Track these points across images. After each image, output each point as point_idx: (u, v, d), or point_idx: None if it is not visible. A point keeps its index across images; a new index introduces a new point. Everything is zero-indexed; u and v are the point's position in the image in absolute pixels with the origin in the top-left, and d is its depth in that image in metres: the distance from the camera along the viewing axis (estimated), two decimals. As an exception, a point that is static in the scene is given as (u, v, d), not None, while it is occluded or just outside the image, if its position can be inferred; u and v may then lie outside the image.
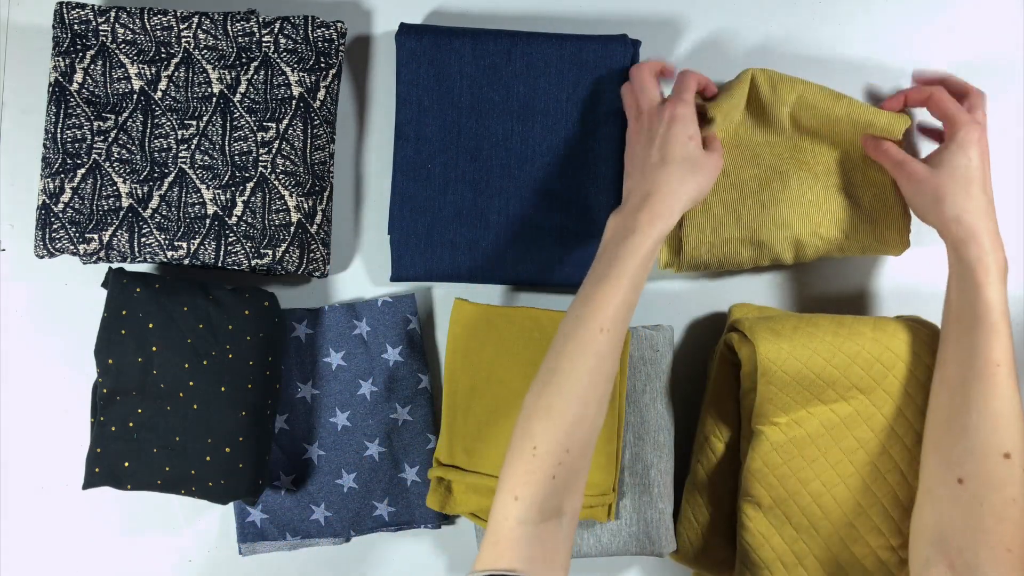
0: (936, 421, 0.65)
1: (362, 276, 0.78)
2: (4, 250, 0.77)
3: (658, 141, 0.68)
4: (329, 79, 0.73)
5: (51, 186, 0.70)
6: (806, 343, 0.68)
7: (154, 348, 0.69)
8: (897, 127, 0.71)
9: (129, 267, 0.75)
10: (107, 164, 0.71)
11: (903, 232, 0.74)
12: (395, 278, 0.75)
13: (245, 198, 0.71)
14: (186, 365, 0.69)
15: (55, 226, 0.70)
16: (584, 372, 0.61)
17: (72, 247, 0.70)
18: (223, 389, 0.69)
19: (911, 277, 0.79)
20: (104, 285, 0.71)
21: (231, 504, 0.75)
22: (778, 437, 0.69)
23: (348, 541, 0.77)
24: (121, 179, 0.71)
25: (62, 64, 0.71)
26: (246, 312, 0.70)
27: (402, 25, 0.75)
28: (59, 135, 0.70)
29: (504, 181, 0.75)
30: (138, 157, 0.71)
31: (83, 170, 0.71)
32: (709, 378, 0.75)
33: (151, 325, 0.69)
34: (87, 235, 0.70)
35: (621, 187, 0.75)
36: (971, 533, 0.60)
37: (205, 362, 0.69)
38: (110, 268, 0.71)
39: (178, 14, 0.72)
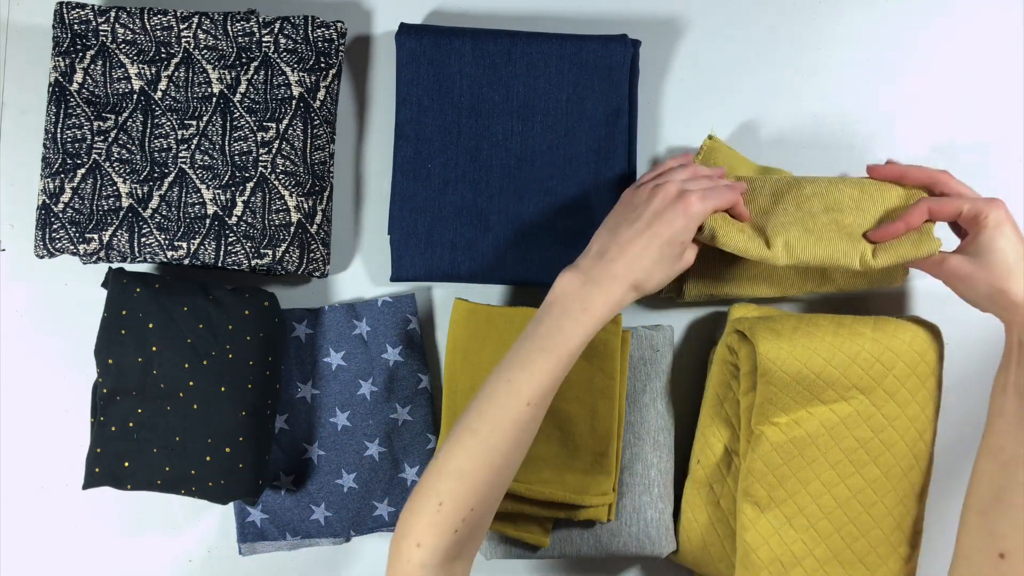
0: (983, 489, 0.64)
1: (362, 276, 0.78)
2: (4, 250, 0.77)
3: (651, 210, 0.63)
4: (329, 79, 0.73)
5: (51, 186, 0.70)
6: (806, 343, 0.68)
7: (154, 348, 0.69)
8: (913, 199, 0.69)
9: (129, 267, 0.75)
10: (107, 164, 0.71)
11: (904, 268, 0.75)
12: (395, 278, 0.75)
13: (245, 198, 0.71)
14: (186, 365, 0.69)
15: (55, 226, 0.70)
16: (502, 441, 0.59)
17: (72, 247, 0.70)
18: (223, 389, 0.69)
19: (911, 277, 0.79)
20: (104, 285, 0.71)
21: (231, 504, 0.75)
22: (778, 437, 0.69)
23: (348, 541, 0.77)
24: (121, 179, 0.71)
25: (62, 64, 0.71)
26: (246, 312, 0.70)
27: (402, 25, 0.75)
28: (59, 135, 0.70)
29: (504, 181, 0.75)
30: (138, 157, 0.71)
31: (83, 170, 0.71)
32: (709, 378, 0.75)
33: (151, 325, 0.69)
34: (87, 235, 0.70)
35: (621, 187, 0.75)
36: None
37: (205, 362, 0.69)
38: (110, 268, 0.71)
39: (178, 14, 0.72)
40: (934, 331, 0.70)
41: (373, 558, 0.78)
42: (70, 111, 0.71)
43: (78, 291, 0.76)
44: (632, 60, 0.75)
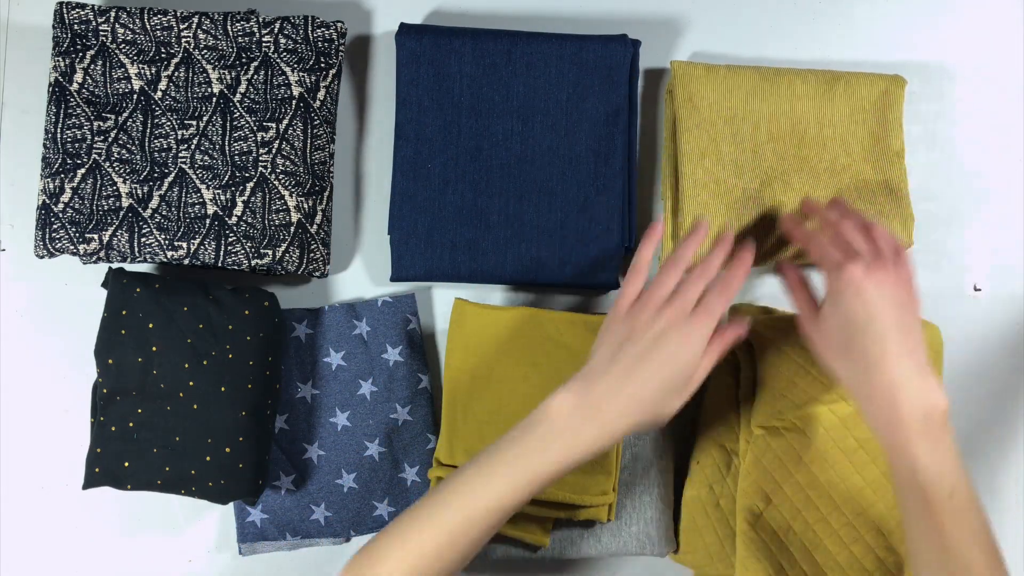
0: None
1: (362, 276, 0.78)
2: (4, 250, 0.77)
3: (653, 335, 0.59)
4: (329, 79, 0.73)
5: (51, 186, 0.70)
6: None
7: (154, 348, 0.69)
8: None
9: (129, 267, 0.75)
10: (107, 164, 0.71)
11: (906, 230, 0.74)
12: (395, 278, 0.75)
13: (245, 198, 0.71)
14: (186, 365, 0.69)
15: (55, 226, 0.70)
16: (432, 548, 0.57)
17: (72, 247, 0.70)
18: (223, 389, 0.69)
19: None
20: (104, 285, 0.71)
21: (231, 504, 0.75)
22: (777, 438, 0.69)
23: (348, 541, 0.77)
24: (121, 179, 0.71)
25: (62, 64, 0.71)
26: (246, 312, 0.70)
27: (402, 25, 0.75)
28: (59, 135, 0.70)
29: (504, 181, 0.75)
30: (138, 157, 0.71)
31: (83, 170, 0.71)
32: (708, 379, 0.75)
33: (151, 325, 0.69)
34: (87, 235, 0.70)
35: (621, 187, 0.75)
36: None
37: (205, 362, 0.69)
38: (110, 268, 0.71)
39: (178, 14, 0.72)
40: (933, 331, 0.70)
41: (373, 558, 0.78)
42: (70, 111, 0.71)
43: (78, 291, 0.76)
44: (632, 60, 0.75)
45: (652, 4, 0.79)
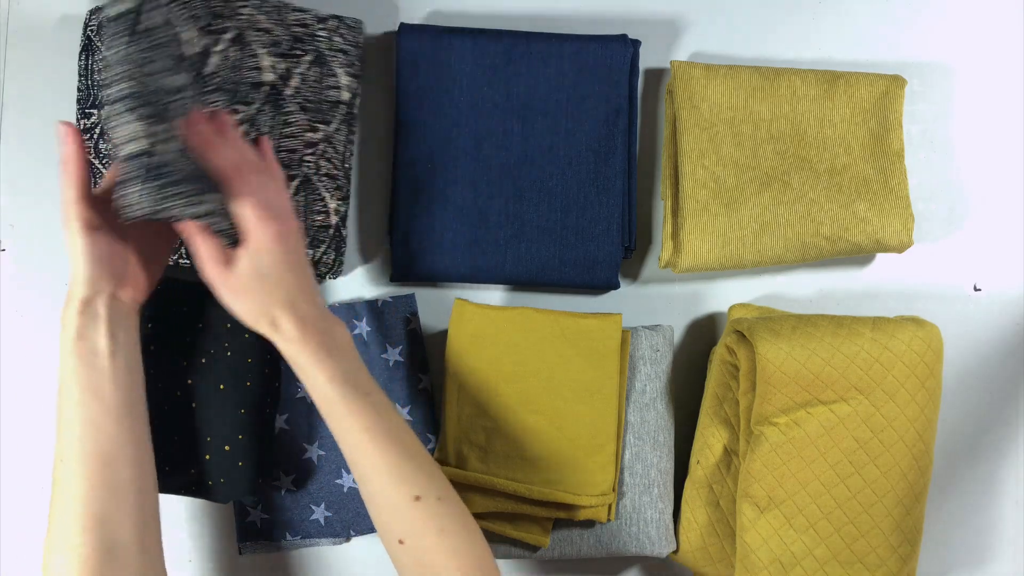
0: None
1: (362, 276, 0.78)
2: (4, 250, 0.77)
3: None
4: (360, 86, 0.73)
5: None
6: (804, 343, 0.68)
7: (152, 347, 0.68)
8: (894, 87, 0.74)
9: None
10: None
11: (906, 230, 0.74)
12: (395, 278, 0.75)
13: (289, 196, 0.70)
14: (184, 363, 0.69)
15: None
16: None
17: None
18: (222, 387, 0.69)
19: (911, 277, 0.79)
20: None
21: (231, 504, 0.75)
22: (777, 438, 0.69)
23: (348, 541, 0.77)
24: None
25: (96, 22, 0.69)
26: (246, 312, 0.70)
27: (402, 25, 0.75)
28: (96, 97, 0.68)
29: (504, 181, 0.75)
30: None
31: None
32: (708, 378, 0.75)
33: (149, 325, 0.69)
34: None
35: (621, 187, 0.75)
36: None
37: (203, 360, 0.69)
38: None
39: None
40: (933, 331, 0.70)
41: (373, 558, 0.78)
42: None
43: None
44: (632, 60, 0.75)
45: (652, 4, 0.79)
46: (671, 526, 0.74)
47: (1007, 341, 0.80)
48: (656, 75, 0.80)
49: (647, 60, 0.79)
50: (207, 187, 0.57)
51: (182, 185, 0.55)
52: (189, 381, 0.69)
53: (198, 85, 0.66)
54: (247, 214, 0.58)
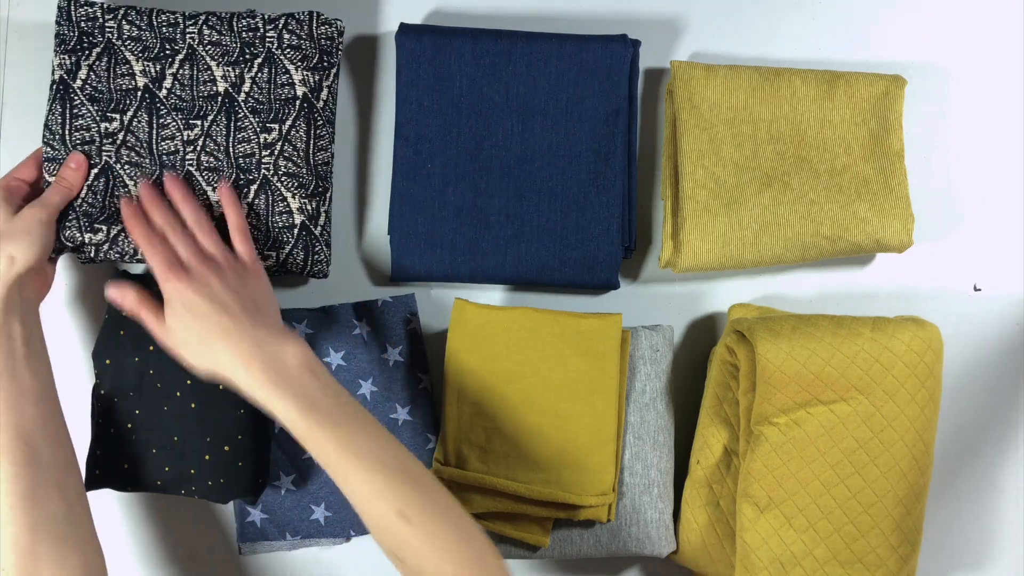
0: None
1: (362, 276, 0.78)
2: (4, 250, 0.77)
3: None
4: (331, 78, 0.73)
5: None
6: (805, 343, 0.68)
7: (151, 347, 0.68)
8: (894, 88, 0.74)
9: (132, 270, 0.75)
10: (119, 167, 0.70)
11: (906, 230, 0.74)
12: (395, 278, 0.75)
13: (249, 200, 0.71)
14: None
15: (70, 217, 0.69)
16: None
17: (80, 235, 0.69)
18: (220, 387, 0.69)
19: (911, 277, 0.79)
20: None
21: (231, 504, 0.75)
22: (777, 437, 0.69)
23: (348, 541, 0.77)
24: (132, 182, 0.71)
25: (67, 62, 0.70)
26: (246, 312, 0.70)
27: (402, 25, 0.75)
28: (68, 137, 0.70)
29: (504, 181, 0.75)
30: (147, 160, 0.71)
31: (96, 170, 0.70)
32: (708, 378, 0.75)
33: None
34: (96, 225, 0.70)
35: (621, 187, 0.75)
36: None
37: (204, 361, 0.69)
38: (115, 269, 0.70)
39: (186, 13, 0.71)
40: (933, 331, 0.70)
41: (373, 558, 0.78)
42: (75, 110, 0.70)
43: (78, 291, 0.76)
44: (632, 60, 0.75)
45: (652, 4, 0.79)
46: (671, 526, 0.74)
47: (1007, 341, 0.80)
48: (656, 75, 0.80)
49: (647, 60, 0.79)
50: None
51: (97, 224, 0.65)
52: (189, 381, 0.69)
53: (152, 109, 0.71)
54: (156, 274, 0.63)
